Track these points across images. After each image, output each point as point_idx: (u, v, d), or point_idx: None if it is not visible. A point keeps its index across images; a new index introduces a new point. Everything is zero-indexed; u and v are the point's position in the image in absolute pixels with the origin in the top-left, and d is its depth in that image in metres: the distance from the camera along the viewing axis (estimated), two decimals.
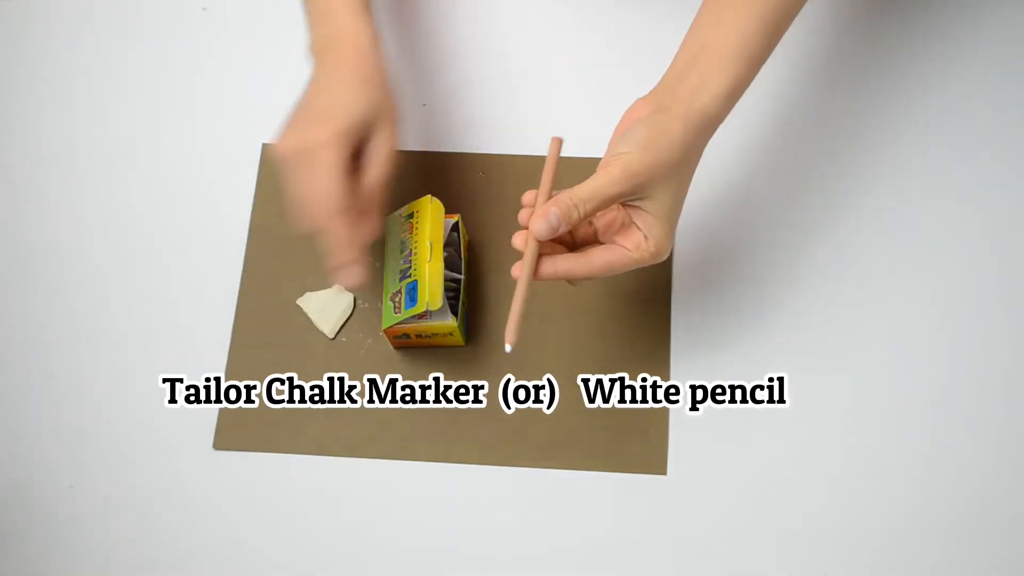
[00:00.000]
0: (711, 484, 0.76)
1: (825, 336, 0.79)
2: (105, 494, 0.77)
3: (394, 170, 0.72)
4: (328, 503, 0.76)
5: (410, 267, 0.74)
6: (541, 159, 0.69)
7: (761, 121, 0.83)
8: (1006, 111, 0.85)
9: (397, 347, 0.79)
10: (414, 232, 0.75)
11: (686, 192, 0.68)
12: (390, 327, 0.75)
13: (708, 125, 0.67)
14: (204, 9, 0.91)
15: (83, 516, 0.77)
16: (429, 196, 0.76)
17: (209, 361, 0.80)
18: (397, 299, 0.74)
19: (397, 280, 0.75)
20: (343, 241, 0.69)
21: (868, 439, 0.76)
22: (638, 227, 0.67)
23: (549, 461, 0.77)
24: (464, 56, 0.88)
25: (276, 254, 0.83)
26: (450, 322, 0.75)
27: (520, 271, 0.66)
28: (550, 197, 0.67)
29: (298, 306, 0.81)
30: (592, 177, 0.65)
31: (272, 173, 0.84)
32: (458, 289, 0.78)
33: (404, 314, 0.74)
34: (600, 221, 0.69)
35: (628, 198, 0.66)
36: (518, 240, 0.67)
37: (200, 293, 0.82)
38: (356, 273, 0.70)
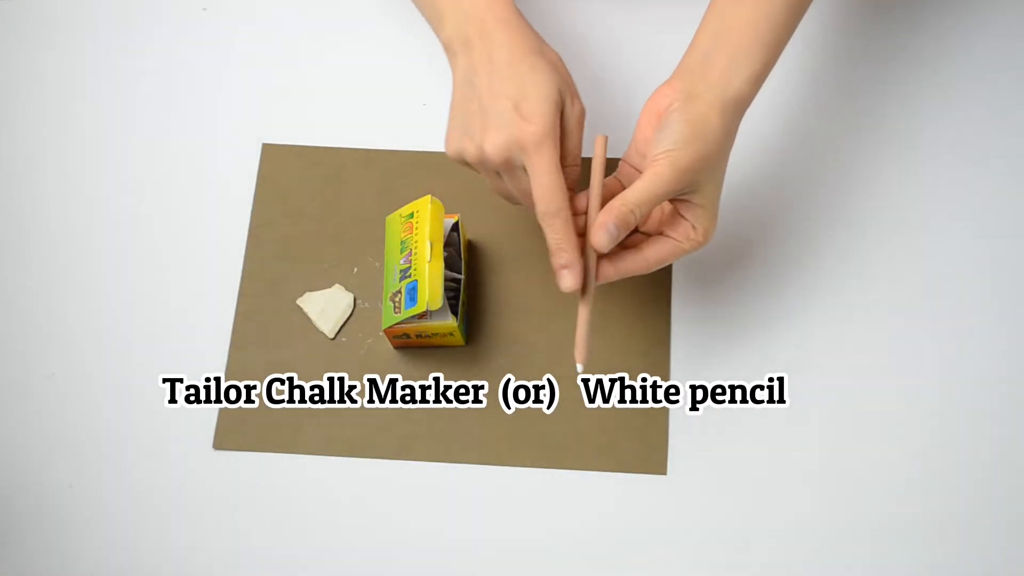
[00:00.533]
0: (711, 484, 0.76)
1: (825, 336, 0.79)
2: (105, 494, 0.77)
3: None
4: (328, 503, 0.76)
5: (410, 267, 0.74)
6: None
7: (762, 122, 0.83)
8: (1014, 115, 0.84)
9: (397, 347, 0.79)
10: (414, 232, 0.75)
11: (724, 175, 0.68)
12: (390, 327, 0.75)
13: (741, 109, 0.67)
14: (204, 9, 0.91)
15: (83, 516, 0.77)
16: (429, 196, 0.76)
17: (209, 361, 0.80)
18: (397, 299, 0.74)
19: (397, 280, 0.75)
20: (564, 238, 0.66)
21: (868, 439, 0.76)
22: (685, 218, 0.67)
23: (549, 461, 0.77)
24: None
25: (276, 254, 0.83)
26: (450, 322, 0.75)
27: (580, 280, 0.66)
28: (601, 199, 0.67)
29: (298, 306, 0.81)
30: (641, 178, 0.65)
31: (272, 173, 0.85)
32: (458, 289, 0.78)
33: (404, 314, 0.74)
34: None
35: (677, 194, 0.66)
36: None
37: (200, 293, 0.82)
38: (576, 275, 0.66)
